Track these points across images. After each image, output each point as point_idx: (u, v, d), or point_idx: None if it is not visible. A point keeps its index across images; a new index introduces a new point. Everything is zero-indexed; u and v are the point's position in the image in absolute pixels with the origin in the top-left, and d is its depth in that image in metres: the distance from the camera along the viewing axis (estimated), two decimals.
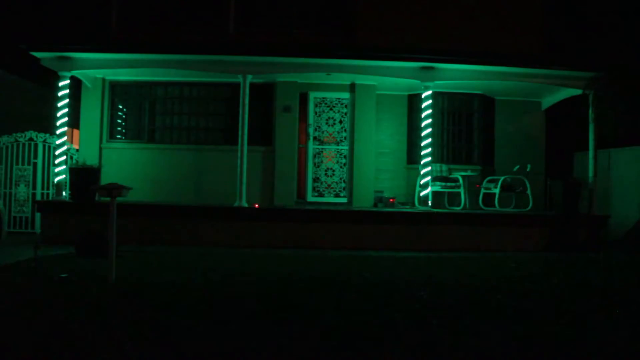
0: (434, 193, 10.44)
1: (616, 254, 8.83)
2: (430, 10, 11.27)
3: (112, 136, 11.32)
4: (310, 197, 11.37)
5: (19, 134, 10.79)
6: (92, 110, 11.20)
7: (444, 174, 10.88)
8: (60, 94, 9.80)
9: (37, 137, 10.83)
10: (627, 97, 11.35)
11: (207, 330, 4.11)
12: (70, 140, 14.84)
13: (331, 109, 11.51)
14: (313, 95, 11.50)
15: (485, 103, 11.74)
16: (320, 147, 11.49)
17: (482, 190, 10.99)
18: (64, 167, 9.84)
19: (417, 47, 10.67)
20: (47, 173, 10.79)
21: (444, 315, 4.65)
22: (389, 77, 10.25)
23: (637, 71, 10.34)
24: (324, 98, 11.53)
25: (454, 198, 10.94)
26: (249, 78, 9.81)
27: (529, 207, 10.43)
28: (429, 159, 9.89)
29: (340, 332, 4.09)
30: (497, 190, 10.44)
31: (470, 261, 8.06)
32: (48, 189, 10.77)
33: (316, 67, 10.01)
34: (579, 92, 10.33)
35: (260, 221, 9.35)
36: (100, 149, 11.10)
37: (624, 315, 4.86)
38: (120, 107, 11.49)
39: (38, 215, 10.06)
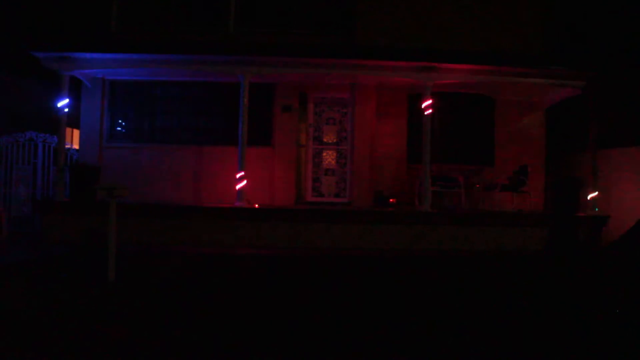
0: (434, 193, 10.42)
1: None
2: (430, 10, 11.25)
3: (112, 136, 11.30)
4: (311, 197, 11.36)
5: (19, 134, 10.78)
6: (92, 110, 11.18)
7: (444, 174, 10.86)
8: (60, 94, 9.79)
9: (37, 137, 10.83)
10: (627, 97, 11.35)
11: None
12: (70, 140, 14.85)
13: (331, 109, 11.50)
14: (313, 95, 11.49)
15: (485, 103, 11.72)
16: (320, 147, 11.48)
17: (482, 190, 10.99)
18: (64, 167, 9.83)
19: (417, 47, 10.67)
20: (47, 173, 10.78)
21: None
22: (389, 77, 10.24)
23: (635, 71, 10.35)
24: (324, 98, 11.52)
25: (454, 198, 10.93)
26: (249, 78, 9.80)
27: (529, 207, 10.43)
28: (429, 158, 9.87)
29: None
30: (497, 190, 10.43)
31: (466, 261, 8.06)
32: (48, 189, 10.76)
33: (316, 67, 9.99)
34: (578, 92, 10.32)
35: (260, 221, 9.33)
36: (100, 149, 11.08)
37: None
38: (120, 107, 11.46)
39: (38, 215, 10.05)
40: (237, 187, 9.57)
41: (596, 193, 10.00)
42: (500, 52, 10.85)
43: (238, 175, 9.62)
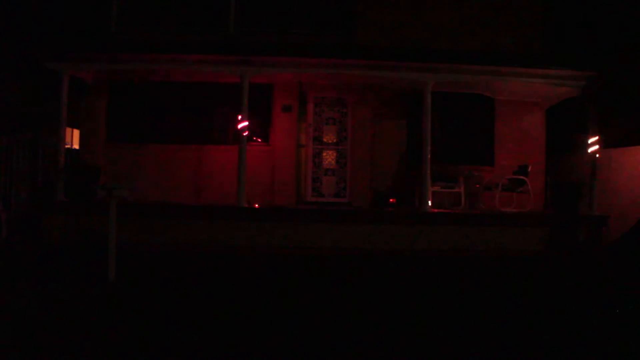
0: (434, 193, 10.42)
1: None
2: (430, 10, 11.25)
3: (112, 136, 11.28)
4: (310, 197, 11.36)
5: (19, 134, 10.75)
6: (92, 110, 11.18)
7: (444, 174, 10.86)
8: (60, 93, 9.77)
9: (36, 137, 10.81)
10: (627, 97, 11.34)
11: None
12: (70, 140, 14.84)
13: (331, 109, 11.50)
14: (313, 95, 11.48)
15: (485, 103, 11.72)
16: (320, 147, 11.48)
17: (482, 190, 10.98)
18: (64, 167, 9.83)
19: (417, 47, 10.67)
20: (47, 173, 10.76)
21: None
22: (389, 77, 10.23)
23: (635, 71, 10.35)
24: (323, 98, 11.51)
25: (454, 198, 10.92)
26: (249, 78, 9.79)
27: (529, 207, 10.42)
28: (428, 158, 9.86)
29: None
30: (497, 190, 10.43)
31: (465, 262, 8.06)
32: (48, 189, 10.74)
33: (316, 67, 9.99)
34: (578, 92, 10.32)
35: (260, 221, 9.33)
36: (100, 149, 11.08)
37: None
38: (120, 106, 11.43)
39: (38, 215, 10.03)
40: (237, 187, 9.52)
41: (596, 193, 9.98)
42: (500, 52, 10.84)
43: (238, 175, 9.58)
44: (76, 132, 13.31)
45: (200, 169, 11.12)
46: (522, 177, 10.43)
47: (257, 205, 9.85)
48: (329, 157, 11.46)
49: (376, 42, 10.90)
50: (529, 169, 10.49)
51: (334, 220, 9.39)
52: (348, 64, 9.93)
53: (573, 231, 9.55)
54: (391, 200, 10.91)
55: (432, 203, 10.10)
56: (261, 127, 11.19)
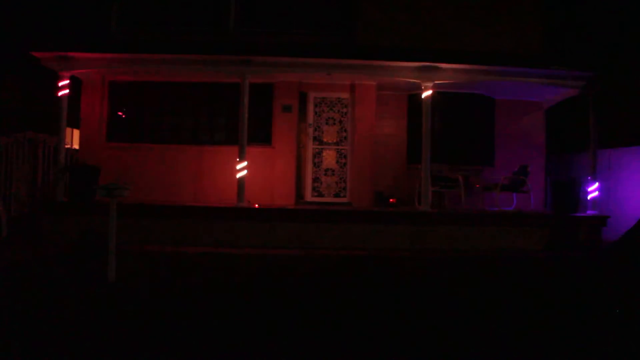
0: (434, 193, 10.42)
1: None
2: (430, 10, 11.26)
3: (111, 136, 11.29)
4: (310, 197, 11.36)
5: (19, 134, 10.77)
6: (92, 110, 11.19)
7: (444, 174, 10.86)
8: (60, 94, 9.79)
9: (36, 137, 10.82)
10: (627, 97, 11.34)
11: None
12: (70, 140, 14.86)
13: (331, 109, 11.50)
14: (313, 95, 11.48)
15: (485, 103, 11.72)
16: (320, 147, 11.48)
17: (482, 190, 10.98)
18: (63, 167, 9.83)
19: (417, 47, 10.68)
20: (47, 173, 10.78)
21: None
22: (389, 77, 10.23)
23: (635, 71, 10.35)
24: (324, 98, 11.52)
25: (454, 198, 10.93)
26: (249, 78, 9.79)
27: (529, 207, 10.43)
28: (429, 158, 9.87)
29: None
30: (497, 190, 10.43)
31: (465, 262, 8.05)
32: (48, 189, 10.75)
33: (316, 67, 9.99)
34: (578, 92, 10.32)
35: (260, 221, 9.33)
36: (100, 149, 11.08)
37: None
38: (120, 106, 11.46)
39: (38, 215, 10.04)
40: (238, 187, 9.55)
41: (596, 193, 10.00)
42: (500, 52, 10.85)
43: (238, 175, 9.60)
44: (76, 132, 13.32)
45: (200, 169, 11.11)
46: (522, 177, 10.43)
47: (257, 205, 9.85)
48: (329, 157, 11.47)
49: (377, 42, 10.90)
50: (529, 169, 10.49)
51: (334, 220, 9.39)
52: (348, 64, 9.93)
53: (573, 231, 9.56)
54: (391, 200, 10.91)
55: (432, 203, 10.10)
56: (261, 127, 11.18)
